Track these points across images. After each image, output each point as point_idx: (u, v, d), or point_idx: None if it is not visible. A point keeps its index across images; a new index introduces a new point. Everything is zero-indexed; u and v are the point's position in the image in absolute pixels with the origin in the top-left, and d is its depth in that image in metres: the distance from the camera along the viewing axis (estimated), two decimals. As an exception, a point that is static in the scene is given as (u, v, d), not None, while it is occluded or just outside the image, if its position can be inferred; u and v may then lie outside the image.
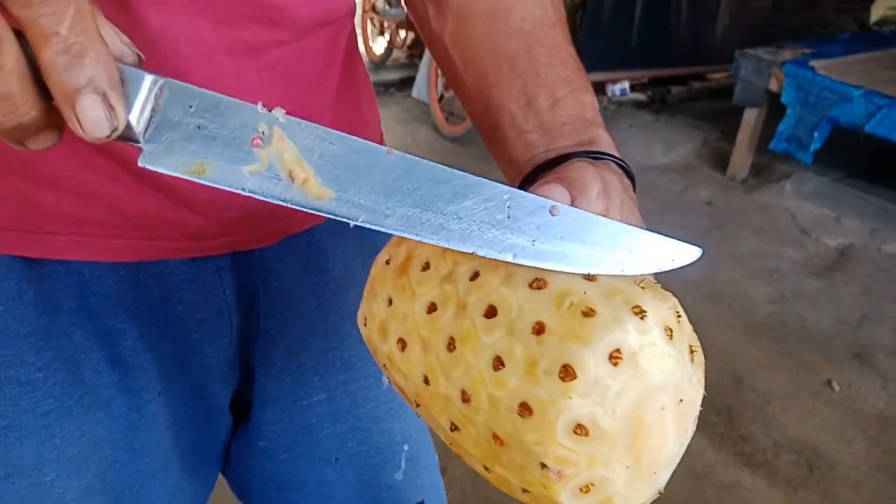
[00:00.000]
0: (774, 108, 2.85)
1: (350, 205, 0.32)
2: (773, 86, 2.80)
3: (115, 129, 0.29)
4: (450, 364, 0.32)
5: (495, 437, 0.31)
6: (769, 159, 3.09)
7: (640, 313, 0.30)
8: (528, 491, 0.32)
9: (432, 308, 0.33)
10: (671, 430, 0.32)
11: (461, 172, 0.33)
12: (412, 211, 0.32)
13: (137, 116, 0.30)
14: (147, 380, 0.59)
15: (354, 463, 0.72)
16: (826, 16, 4.78)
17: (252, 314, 0.63)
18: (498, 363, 0.30)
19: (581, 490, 0.30)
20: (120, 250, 0.54)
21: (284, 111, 0.31)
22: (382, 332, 0.36)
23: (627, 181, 0.44)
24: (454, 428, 0.33)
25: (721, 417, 1.93)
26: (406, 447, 0.75)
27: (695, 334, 0.34)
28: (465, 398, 0.31)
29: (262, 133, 0.31)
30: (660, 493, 0.33)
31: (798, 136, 2.71)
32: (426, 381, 0.33)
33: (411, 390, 0.35)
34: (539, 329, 0.30)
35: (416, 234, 0.32)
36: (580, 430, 0.29)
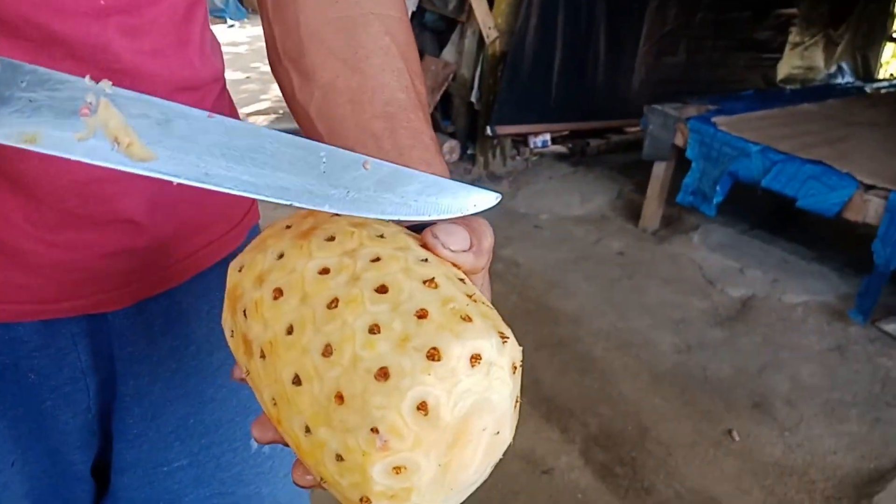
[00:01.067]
0: (682, 163, 2.96)
1: (173, 163, 0.34)
2: (679, 140, 2.91)
3: None
4: (324, 319, 0.33)
5: (339, 395, 0.32)
6: (679, 211, 3.20)
7: (503, 338, 0.33)
8: (342, 459, 0.33)
9: (325, 271, 0.34)
10: (480, 455, 0.34)
11: (281, 133, 0.35)
12: (233, 167, 0.35)
13: None
14: None
15: None
16: (736, 73, 5.03)
17: (109, 379, 0.62)
18: (375, 328, 0.32)
19: (394, 469, 0.32)
20: None
21: (111, 83, 0.33)
22: (259, 280, 0.37)
23: None
24: (297, 381, 0.34)
25: (626, 469, 1.95)
26: None
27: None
28: (327, 352, 0.33)
29: (90, 103, 0.33)
30: None
31: (702, 189, 2.81)
32: (290, 330, 0.34)
33: (265, 338, 0.35)
34: (422, 315, 0.32)
35: (238, 189, 0.34)
36: (423, 408, 0.31)
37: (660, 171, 3.05)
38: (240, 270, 0.39)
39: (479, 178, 3.75)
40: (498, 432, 0.34)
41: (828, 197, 2.43)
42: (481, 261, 0.39)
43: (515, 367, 0.34)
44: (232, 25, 8.39)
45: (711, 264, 2.89)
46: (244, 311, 0.37)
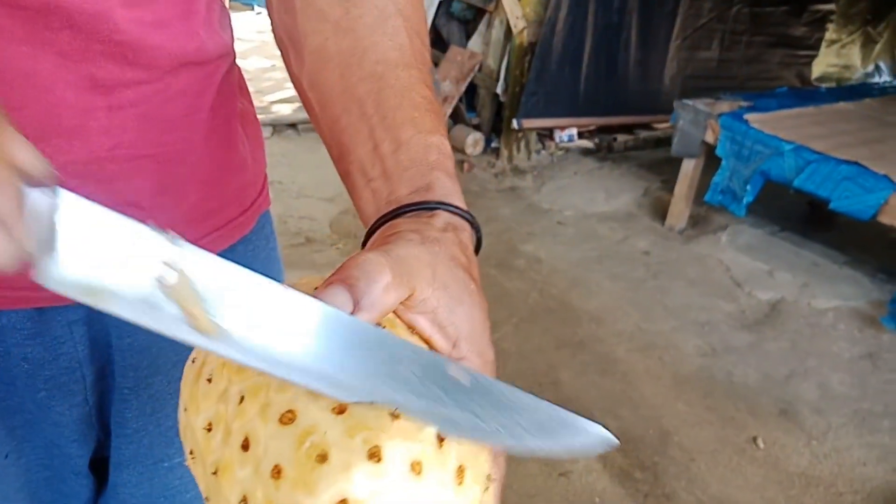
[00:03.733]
0: (711, 160, 2.89)
1: (240, 347, 0.31)
2: (710, 137, 2.84)
3: (19, 259, 0.28)
4: (214, 490, 0.33)
5: None
6: (707, 210, 3.13)
7: (376, 456, 0.30)
8: None
9: (209, 427, 0.34)
10: None
11: (366, 324, 0.32)
12: (306, 362, 0.31)
13: (31, 235, 0.28)
14: None
15: None
16: (770, 69, 4.92)
17: (107, 370, 0.60)
18: (244, 502, 0.31)
19: None
20: None
21: (178, 236, 0.30)
22: (184, 435, 0.37)
23: (458, 232, 0.42)
24: None
25: (646, 474, 1.90)
26: None
27: (471, 451, 0.33)
28: None
29: (166, 270, 0.30)
30: None
31: (732, 188, 2.74)
32: (205, 498, 0.35)
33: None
34: (277, 473, 0.30)
35: (303, 380, 0.31)
36: None
37: (689, 168, 2.98)
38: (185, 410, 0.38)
39: (503, 171, 3.70)
40: None
41: (863, 199, 2.35)
42: (377, 309, 0.33)
43: (419, 465, 0.31)
44: (259, 13, 8.40)
45: (739, 266, 2.82)
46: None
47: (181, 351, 0.64)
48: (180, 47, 0.52)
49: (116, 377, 0.60)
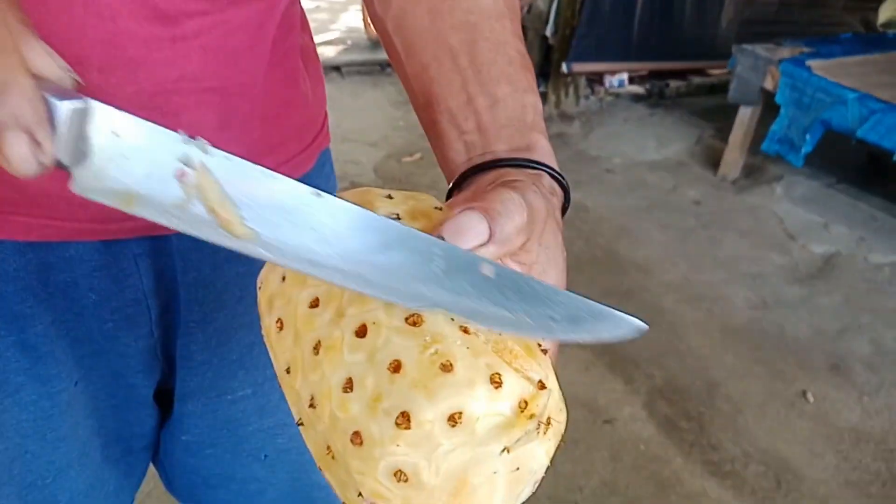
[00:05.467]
0: (769, 108, 2.79)
1: (273, 248, 0.31)
2: (769, 84, 2.74)
3: (42, 165, 0.29)
4: (310, 366, 0.32)
5: (329, 449, 0.32)
6: (761, 160, 3.04)
7: (497, 383, 0.30)
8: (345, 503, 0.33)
9: (315, 303, 0.33)
10: (501, 491, 0.32)
11: (395, 223, 0.32)
12: (333, 256, 0.31)
13: (63, 146, 0.29)
14: (61, 368, 0.57)
15: (285, 460, 0.70)
16: (833, 14, 4.69)
17: (173, 304, 0.61)
18: (348, 385, 0.30)
19: None
20: (17, 228, 0.51)
21: (207, 142, 0.30)
22: (269, 305, 0.36)
23: (557, 197, 0.42)
24: (300, 423, 0.34)
25: (692, 424, 1.90)
26: None
27: (562, 404, 0.34)
28: (312, 404, 0.32)
29: (187, 166, 0.30)
30: None
31: (790, 137, 2.65)
32: (288, 370, 0.34)
33: (277, 368, 0.35)
34: (396, 367, 0.30)
35: (338, 281, 0.31)
36: (400, 475, 0.29)
37: (745, 116, 2.88)
38: (260, 287, 0.38)
39: (549, 117, 3.63)
40: (517, 468, 0.32)
41: (931, 151, 2.26)
42: (506, 247, 0.34)
43: (525, 403, 0.31)
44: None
45: (794, 218, 2.75)
46: (265, 335, 0.37)
47: (245, 286, 0.64)
48: None
49: (182, 311, 0.61)
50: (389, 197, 0.37)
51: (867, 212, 2.74)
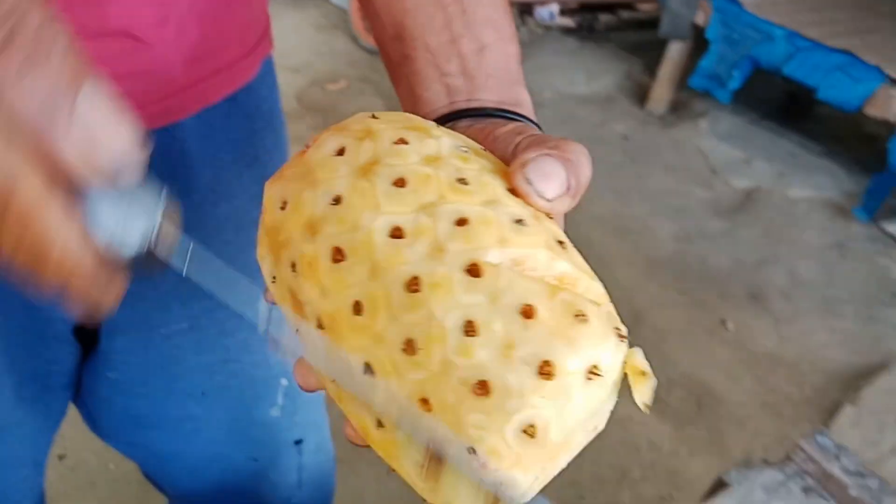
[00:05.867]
0: (698, 44, 2.81)
1: None
2: (700, 19, 2.75)
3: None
4: (404, 305, 0.27)
5: (424, 401, 0.27)
6: (688, 96, 3.07)
7: (621, 336, 0.29)
8: (424, 467, 0.29)
9: (398, 233, 0.28)
10: (575, 452, 0.30)
11: None
12: None
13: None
14: None
15: (224, 397, 0.66)
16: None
17: None
18: (470, 329, 0.27)
19: None
20: None
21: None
22: (310, 229, 0.30)
23: None
24: (369, 370, 0.28)
25: (618, 352, 1.94)
26: (284, 381, 0.69)
27: None
28: (409, 348, 0.27)
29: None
30: None
31: (718, 73, 2.68)
32: (357, 309, 0.28)
33: (324, 309, 0.29)
34: (528, 312, 0.27)
35: None
36: (530, 430, 0.26)
37: (675, 51, 2.89)
38: (282, 207, 0.31)
39: (481, 47, 3.55)
40: (596, 427, 0.30)
41: (851, 89, 2.32)
42: (576, 200, 0.33)
43: (625, 363, 0.30)
44: None
45: (717, 153, 2.81)
46: (292, 264, 0.30)
47: (183, 210, 0.59)
48: None
49: None
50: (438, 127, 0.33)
51: (787, 148, 2.82)
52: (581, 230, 2.33)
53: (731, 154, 2.80)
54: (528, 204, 0.31)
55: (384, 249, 0.28)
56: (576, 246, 0.33)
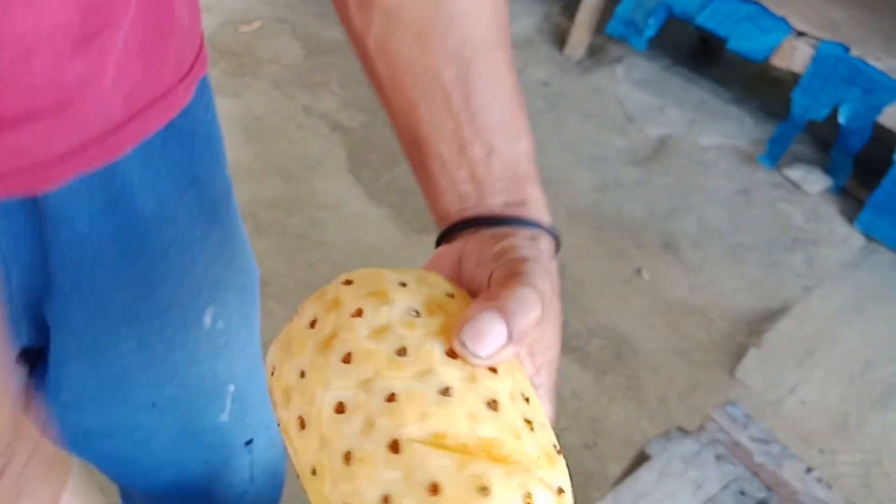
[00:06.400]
0: (615, -11, 2.82)
1: None
2: (616, -35, 2.75)
3: None
4: (341, 477, 0.31)
5: None
6: (605, 41, 3.10)
7: (529, 502, 0.31)
8: None
9: (340, 409, 0.32)
10: None
11: None
12: None
13: None
14: None
15: (173, 408, 0.69)
16: None
17: (41, 266, 0.55)
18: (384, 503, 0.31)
19: None
20: None
21: None
22: (286, 397, 0.35)
23: (552, 254, 0.44)
24: None
25: (540, 304, 2.00)
26: (232, 387, 0.71)
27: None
28: None
29: None
30: None
31: (634, 20, 2.71)
32: (314, 471, 0.33)
33: (296, 462, 0.35)
34: (435, 488, 0.30)
35: None
36: None
37: (592, -4, 2.89)
38: (272, 373, 0.37)
39: (397, -14, 3.45)
40: None
41: (759, 40, 2.40)
42: (523, 344, 0.35)
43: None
44: None
45: (633, 100, 2.87)
46: (279, 423, 0.36)
47: (126, 240, 0.58)
48: None
49: (55, 274, 0.55)
50: (403, 284, 0.36)
51: (698, 95, 2.91)
52: (503, 182, 2.36)
53: (646, 101, 2.86)
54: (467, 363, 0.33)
55: (329, 423, 0.32)
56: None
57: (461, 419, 0.31)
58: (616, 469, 1.62)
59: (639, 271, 2.16)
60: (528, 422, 0.33)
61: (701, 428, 0.96)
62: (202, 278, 0.64)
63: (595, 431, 1.74)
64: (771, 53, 2.40)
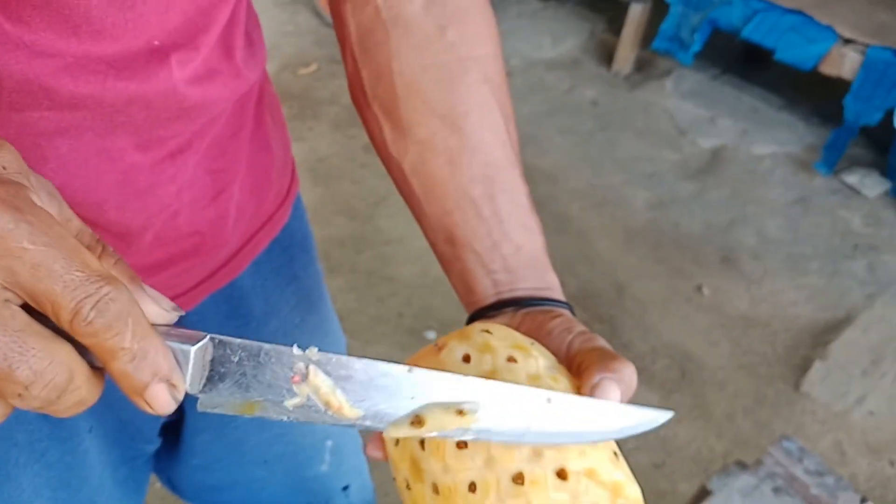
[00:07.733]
0: (659, 3, 2.86)
1: (377, 419, 0.36)
2: (658, -18, 2.80)
3: (177, 401, 0.33)
4: (510, 493, 0.37)
5: None
6: (652, 54, 3.14)
7: None
8: None
9: (472, 487, 0.38)
10: None
11: (478, 380, 0.37)
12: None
13: (191, 381, 0.34)
14: (75, 423, 0.63)
15: (282, 462, 0.81)
16: None
17: None
18: None
19: None
20: None
21: (317, 349, 0.35)
22: (413, 467, 0.40)
23: None
24: None
25: (605, 326, 2.08)
26: (329, 442, 0.84)
27: None
28: None
29: (300, 372, 0.35)
30: None
31: (680, 36, 2.76)
32: (472, 487, 0.38)
33: (441, 480, 0.39)
34: None
35: (450, 434, 0.36)
36: None
37: (636, 12, 2.95)
38: (396, 444, 0.42)
39: (444, 15, 3.56)
40: None
41: (806, 49, 2.42)
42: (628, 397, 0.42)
43: None
44: None
45: (683, 113, 2.90)
46: (403, 487, 0.42)
47: (243, 335, 0.71)
48: (233, 92, 0.54)
49: None
50: (532, 343, 0.43)
51: (749, 103, 2.93)
52: (560, 205, 2.44)
53: (697, 113, 2.90)
54: None
55: (466, 499, 0.38)
56: (557, 222, 0.44)
57: (606, 462, 0.39)
58: (686, 488, 1.69)
59: (699, 288, 2.21)
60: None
61: (758, 462, 1.03)
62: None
63: (664, 451, 1.80)
64: (819, 62, 2.41)
